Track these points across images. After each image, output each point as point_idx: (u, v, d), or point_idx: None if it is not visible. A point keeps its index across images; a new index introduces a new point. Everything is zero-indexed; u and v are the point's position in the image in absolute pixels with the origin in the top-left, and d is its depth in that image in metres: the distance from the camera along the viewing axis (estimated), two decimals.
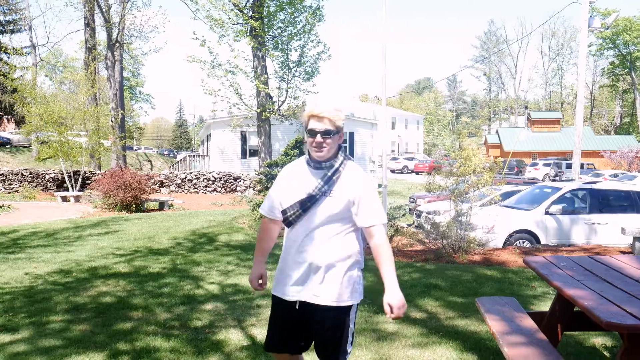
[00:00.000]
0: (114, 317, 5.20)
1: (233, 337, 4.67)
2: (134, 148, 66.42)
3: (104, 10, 27.12)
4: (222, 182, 23.21)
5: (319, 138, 2.66)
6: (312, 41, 22.66)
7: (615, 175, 29.68)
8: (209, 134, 27.42)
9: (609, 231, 10.14)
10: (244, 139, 26.59)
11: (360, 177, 2.76)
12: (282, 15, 22.37)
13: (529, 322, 3.55)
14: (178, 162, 29.58)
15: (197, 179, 23.38)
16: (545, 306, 5.51)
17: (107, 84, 29.46)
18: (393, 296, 2.61)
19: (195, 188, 23.23)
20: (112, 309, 5.48)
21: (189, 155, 32.55)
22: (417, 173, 43.50)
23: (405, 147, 66.87)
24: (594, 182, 11.43)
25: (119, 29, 27.64)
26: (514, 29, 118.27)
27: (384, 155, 10.27)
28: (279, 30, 22.58)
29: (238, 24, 21.98)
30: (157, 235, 10.83)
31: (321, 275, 2.69)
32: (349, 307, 2.72)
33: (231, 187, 23.18)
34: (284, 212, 2.75)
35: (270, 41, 22.53)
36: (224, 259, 8.30)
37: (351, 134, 28.63)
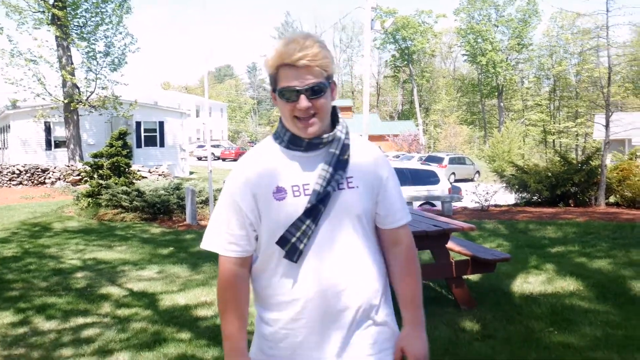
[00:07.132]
0: None
1: (114, 291, 5.91)
2: None
3: None
4: (28, 174, 22.43)
5: (304, 102, 1.59)
6: (120, 32, 23.00)
7: (398, 156, 34.36)
8: (8, 125, 26.05)
9: None
10: (48, 130, 25.77)
11: (378, 151, 1.82)
12: (87, 5, 22.31)
13: None
14: None
15: (0, 172, 22.32)
16: None
17: None
18: (418, 343, 1.73)
19: None
20: None
21: None
22: (223, 160, 45.42)
23: (210, 135, 68.06)
24: None
25: None
26: (309, 21, 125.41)
27: (208, 142, 11.74)
28: (85, 20, 22.46)
29: (39, 12, 21.43)
30: None
31: (373, 320, 1.71)
32: None
33: (39, 179, 22.52)
34: (282, 239, 1.62)
35: (75, 30, 22.32)
36: (70, 241, 9.13)
37: (161, 123, 29.31)
